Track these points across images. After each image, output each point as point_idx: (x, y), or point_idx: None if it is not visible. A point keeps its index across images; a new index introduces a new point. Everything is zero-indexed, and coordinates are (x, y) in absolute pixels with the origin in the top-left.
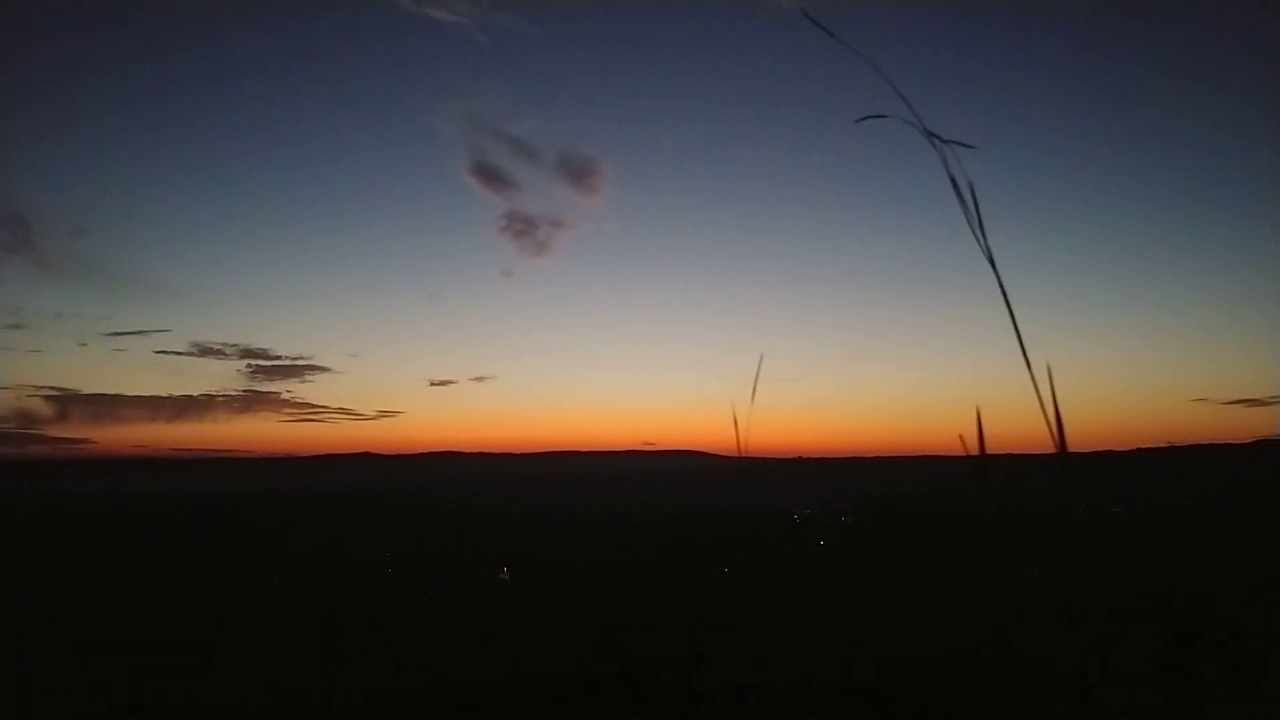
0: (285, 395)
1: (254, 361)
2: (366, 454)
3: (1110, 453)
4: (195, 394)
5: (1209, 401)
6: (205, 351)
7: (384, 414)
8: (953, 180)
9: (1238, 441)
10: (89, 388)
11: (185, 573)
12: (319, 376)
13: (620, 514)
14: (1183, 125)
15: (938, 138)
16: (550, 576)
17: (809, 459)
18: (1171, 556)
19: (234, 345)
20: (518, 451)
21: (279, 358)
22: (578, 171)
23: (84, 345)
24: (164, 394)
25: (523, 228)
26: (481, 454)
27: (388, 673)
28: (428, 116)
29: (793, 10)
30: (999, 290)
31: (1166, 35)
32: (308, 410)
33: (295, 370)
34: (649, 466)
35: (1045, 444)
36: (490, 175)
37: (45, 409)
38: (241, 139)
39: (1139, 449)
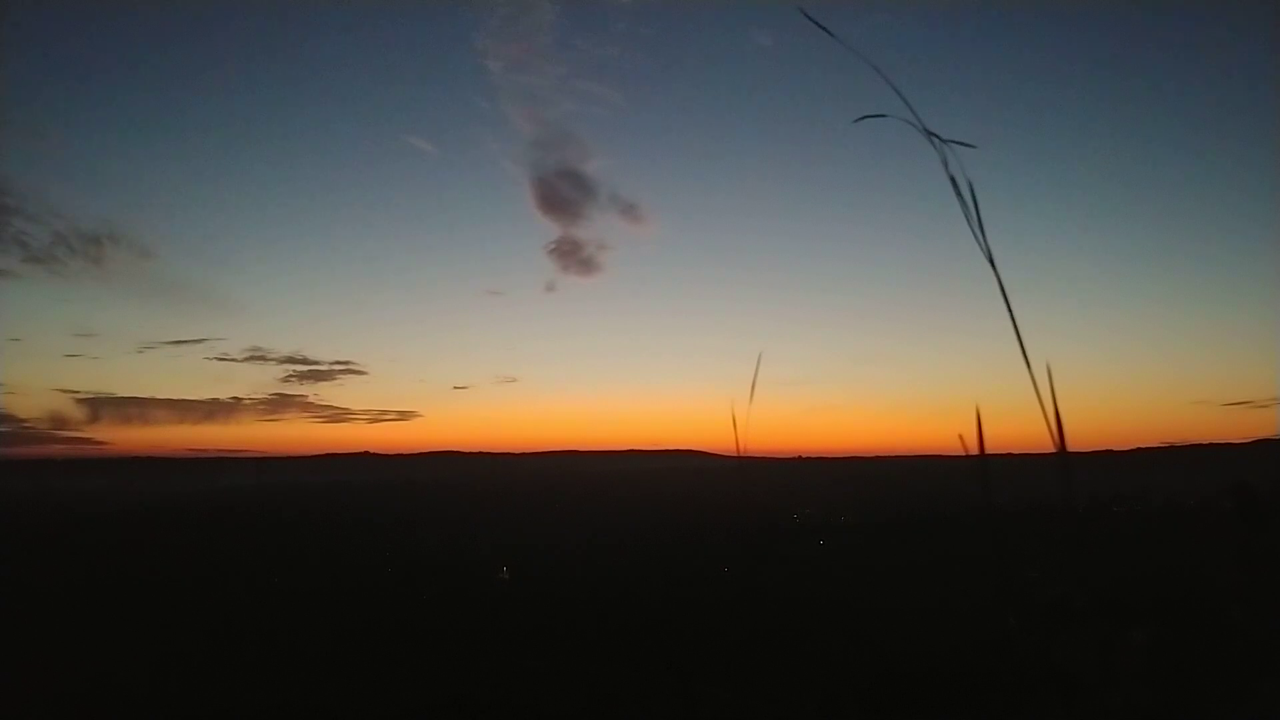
0: (311, 398)
1: (294, 366)
2: (366, 454)
3: (1110, 453)
4: (223, 398)
5: (1208, 404)
6: (252, 357)
7: (403, 415)
8: (953, 180)
9: (1237, 441)
10: (132, 392)
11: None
12: (351, 379)
13: (620, 513)
14: (1183, 125)
15: (938, 137)
16: (550, 576)
17: (809, 459)
18: (1171, 556)
19: (278, 351)
20: (517, 451)
21: (317, 362)
22: (627, 204)
23: (141, 353)
24: (194, 398)
25: (570, 248)
26: (482, 454)
27: (387, 673)
28: (504, 161)
29: (792, 24)
30: (999, 290)
31: (1166, 36)
32: (326, 412)
33: (329, 374)
34: (649, 466)
35: (1045, 444)
36: (553, 206)
37: (77, 411)
38: (316, 169)
39: (1139, 449)
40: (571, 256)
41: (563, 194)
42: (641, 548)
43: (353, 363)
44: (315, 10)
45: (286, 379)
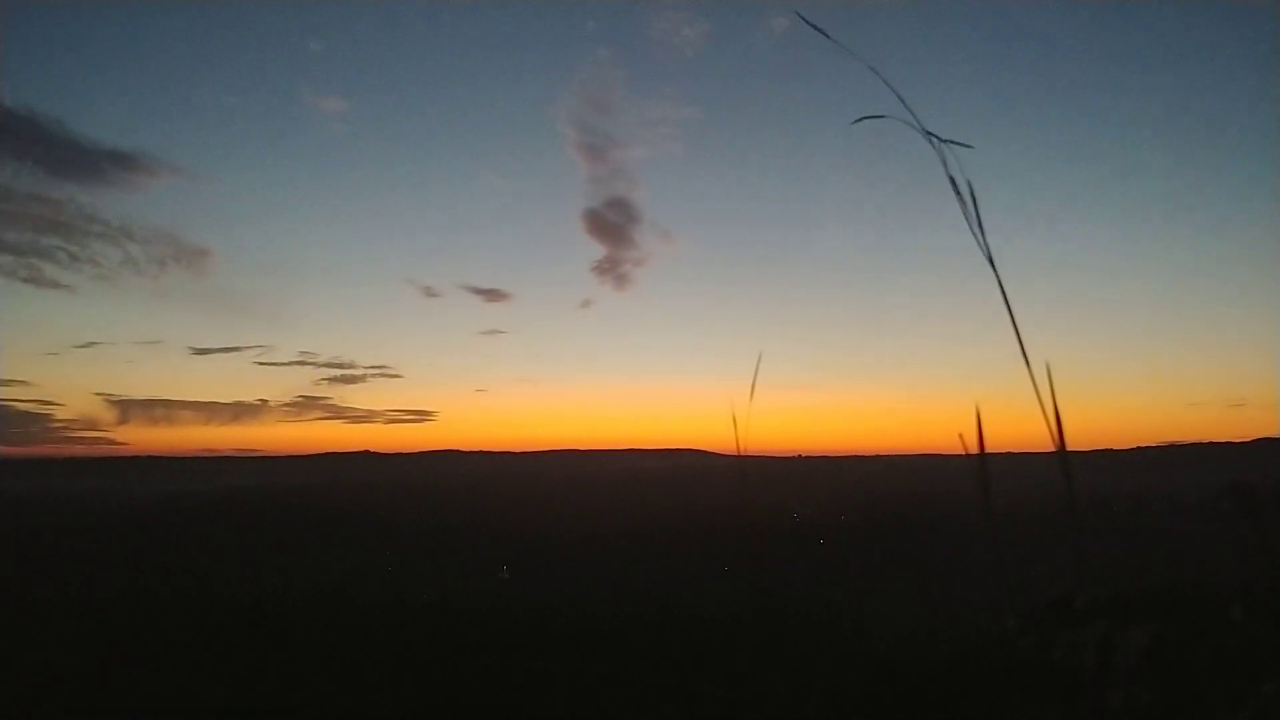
0: (335, 400)
1: (334, 370)
2: (366, 452)
3: (1110, 452)
4: (250, 400)
5: (1209, 404)
6: (296, 362)
7: (419, 416)
8: (952, 180)
9: (1237, 441)
10: (180, 395)
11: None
12: (382, 382)
13: (619, 512)
14: (1183, 125)
15: (936, 137)
16: (550, 575)
17: (809, 458)
18: (1171, 555)
19: (321, 356)
20: (518, 450)
21: (353, 366)
22: (663, 229)
23: (193, 359)
24: (222, 401)
25: (609, 266)
26: (482, 452)
27: (385, 673)
28: (566, 194)
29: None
30: (999, 290)
31: (1166, 35)
32: (347, 413)
33: (361, 378)
34: (649, 465)
35: (1045, 443)
36: (600, 230)
37: (107, 413)
38: (395, 196)
39: (1139, 447)
40: (609, 273)
41: (610, 220)
42: (641, 546)
43: (388, 367)
44: (404, 55)
45: (318, 382)
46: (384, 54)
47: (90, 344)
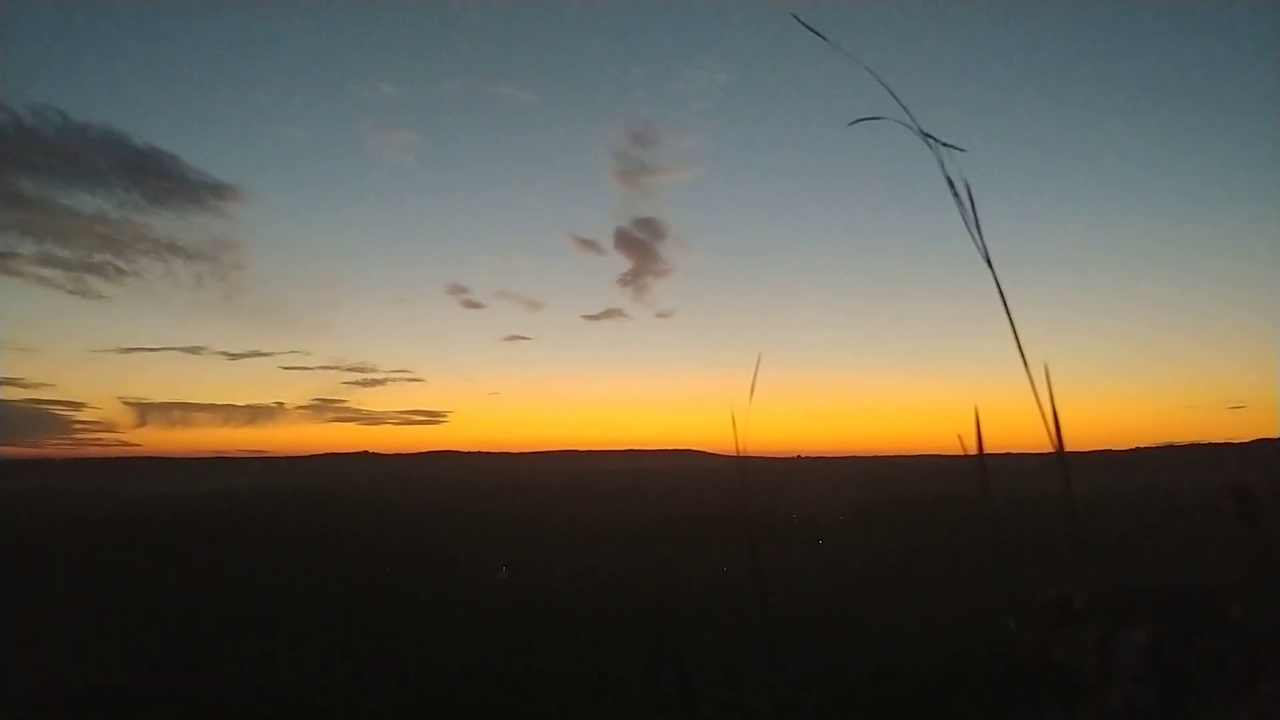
0: (351, 402)
1: (356, 374)
2: (365, 453)
3: (1110, 452)
4: (267, 403)
5: (1208, 404)
6: (320, 366)
7: (431, 417)
8: (949, 181)
9: (1237, 441)
10: (189, 399)
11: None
12: (400, 385)
13: (619, 512)
14: (1183, 126)
15: (933, 139)
16: (549, 575)
17: (808, 458)
18: (1171, 556)
19: (345, 360)
20: (517, 450)
21: (374, 369)
22: (685, 243)
23: (225, 364)
24: (238, 404)
25: (631, 279)
26: (477, 453)
27: (384, 673)
28: (606, 217)
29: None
30: (996, 290)
31: (1165, 35)
32: (359, 415)
33: (381, 380)
34: (647, 465)
35: (1044, 444)
36: (630, 245)
37: (126, 415)
38: (435, 215)
39: (1138, 448)
40: (630, 284)
41: (637, 237)
42: (640, 547)
43: (409, 370)
44: (467, 98)
45: (339, 385)
46: (449, 94)
47: (127, 349)
